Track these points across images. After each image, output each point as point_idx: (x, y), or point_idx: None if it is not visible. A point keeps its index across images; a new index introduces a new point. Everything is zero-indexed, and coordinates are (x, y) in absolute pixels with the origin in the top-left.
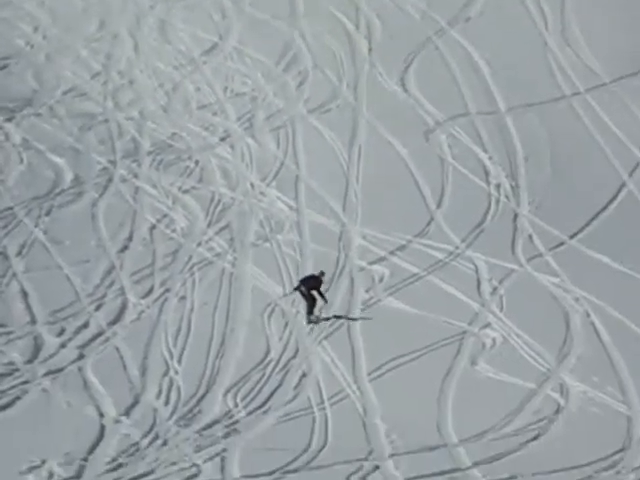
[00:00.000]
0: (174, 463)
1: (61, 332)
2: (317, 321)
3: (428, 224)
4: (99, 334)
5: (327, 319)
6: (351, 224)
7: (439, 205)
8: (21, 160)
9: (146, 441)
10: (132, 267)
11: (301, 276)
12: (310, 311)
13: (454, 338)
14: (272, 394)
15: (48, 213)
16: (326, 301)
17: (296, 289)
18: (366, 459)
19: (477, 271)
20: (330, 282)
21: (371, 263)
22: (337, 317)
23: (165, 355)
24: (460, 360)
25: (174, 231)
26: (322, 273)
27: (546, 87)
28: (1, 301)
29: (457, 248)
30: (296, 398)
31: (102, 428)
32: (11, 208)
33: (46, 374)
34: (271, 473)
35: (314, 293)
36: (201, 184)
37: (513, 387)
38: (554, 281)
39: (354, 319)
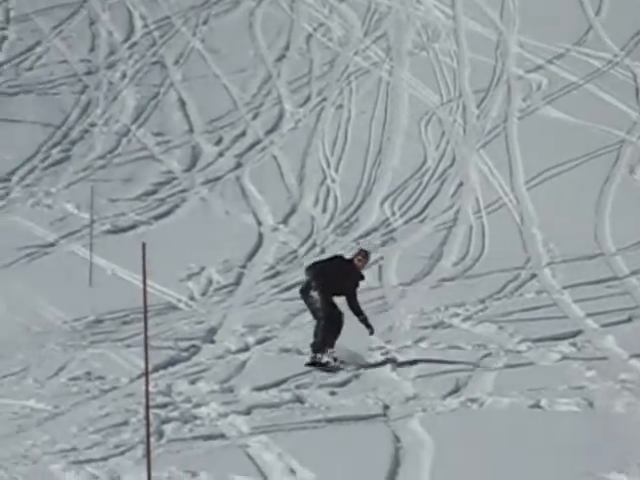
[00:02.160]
0: None
1: (219, 141)
2: (324, 366)
3: (587, 32)
4: (257, 143)
5: (335, 368)
6: (508, 32)
7: (598, 12)
8: None
9: (304, 249)
10: (289, 76)
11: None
12: (322, 345)
13: (612, 147)
14: (429, 203)
15: (205, 22)
16: (372, 331)
17: (304, 291)
18: (523, 268)
19: (636, 79)
20: (487, 91)
21: (529, 71)
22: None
23: (322, 164)
24: (618, 169)
25: (331, 40)
26: (364, 253)
27: None
28: (159, 110)
29: (616, 56)
30: (453, 207)
31: (260, 236)
32: (168, 18)
33: (204, 182)
34: (426, 278)
35: (335, 302)
36: None
37: None
38: None
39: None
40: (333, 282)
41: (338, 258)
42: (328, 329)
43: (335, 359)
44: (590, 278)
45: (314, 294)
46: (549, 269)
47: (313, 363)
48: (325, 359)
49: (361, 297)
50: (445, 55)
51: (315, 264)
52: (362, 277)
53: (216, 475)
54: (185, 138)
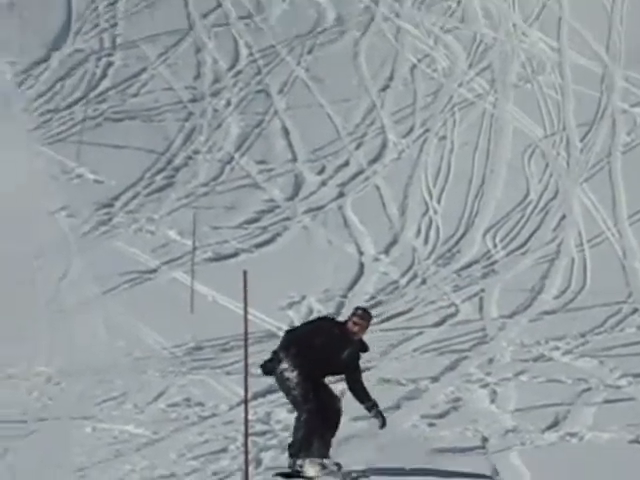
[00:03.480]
0: (433, 302)
1: (322, 170)
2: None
3: None
4: (359, 172)
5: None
6: (614, 66)
7: None
8: None
9: (405, 279)
10: (393, 106)
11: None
12: (303, 447)
13: None
14: (531, 235)
15: (310, 51)
16: (382, 424)
17: (267, 365)
18: (625, 302)
19: None
20: (591, 125)
21: (633, 105)
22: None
23: (425, 195)
24: None
25: (435, 71)
26: (361, 312)
27: None
28: (263, 138)
29: None
30: (555, 240)
31: (361, 266)
32: (273, 46)
33: (306, 211)
34: (526, 310)
35: (328, 386)
36: (463, 24)
37: None
38: None
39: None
40: (317, 356)
41: (325, 321)
42: (312, 426)
43: (338, 466)
44: None
45: (291, 375)
46: None
47: (287, 475)
48: (309, 469)
49: (461, 329)
50: (549, 88)
51: (292, 330)
52: (364, 348)
53: None
54: (288, 167)
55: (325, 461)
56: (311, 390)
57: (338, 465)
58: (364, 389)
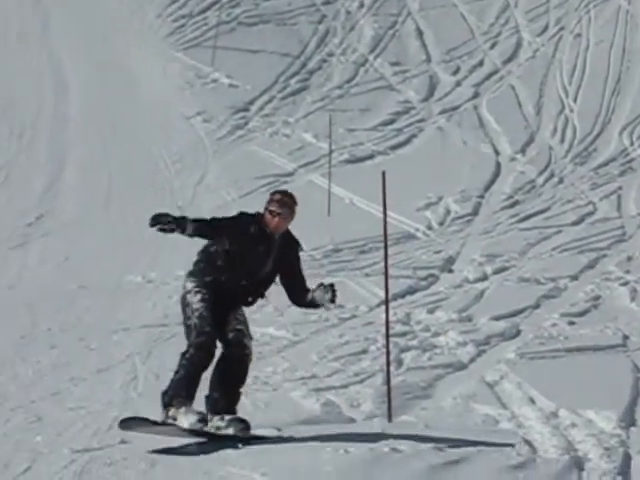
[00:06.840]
0: (570, 201)
1: (456, 71)
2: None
3: None
4: (494, 72)
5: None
6: None
7: None
8: None
9: (542, 179)
10: (527, 5)
11: None
12: (173, 393)
13: None
14: None
15: None
16: (332, 297)
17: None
18: None
19: None
20: None
21: None
22: None
23: (560, 93)
24: None
25: None
26: (278, 195)
27: None
28: (396, 39)
29: None
30: None
31: (498, 165)
32: None
33: (441, 112)
34: None
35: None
36: None
37: None
38: None
39: None
40: (236, 274)
41: (244, 220)
42: (197, 366)
43: (244, 423)
44: None
45: (193, 300)
46: None
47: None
48: (183, 421)
49: (600, 227)
50: None
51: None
52: (296, 243)
53: (456, 403)
54: (422, 68)
55: (214, 416)
56: (210, 323)
57: (244, 422)
58: (306, 290)
